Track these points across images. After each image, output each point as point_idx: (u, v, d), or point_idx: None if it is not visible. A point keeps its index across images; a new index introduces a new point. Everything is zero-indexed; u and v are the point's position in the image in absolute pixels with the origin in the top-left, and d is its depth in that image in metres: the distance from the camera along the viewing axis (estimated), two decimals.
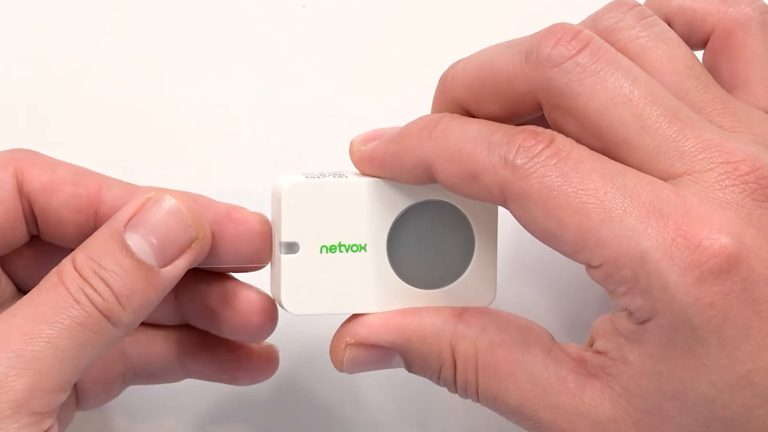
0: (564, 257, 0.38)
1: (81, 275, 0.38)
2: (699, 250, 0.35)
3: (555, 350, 0.40)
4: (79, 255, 0.39)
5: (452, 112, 0.41)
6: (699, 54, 0.42)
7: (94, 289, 0.38)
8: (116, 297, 0.38)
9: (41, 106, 0.46)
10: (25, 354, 0.37)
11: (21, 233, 0.42)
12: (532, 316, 0.42)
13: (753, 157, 0.37)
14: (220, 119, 0.45)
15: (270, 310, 0.43)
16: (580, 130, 0.38)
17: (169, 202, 0.39)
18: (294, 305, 0.42)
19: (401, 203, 0.42)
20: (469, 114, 0.41)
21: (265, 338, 0.43)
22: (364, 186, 0.42)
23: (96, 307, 0.38)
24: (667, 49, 0.40)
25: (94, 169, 0.42)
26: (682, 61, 0.40)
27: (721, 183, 0.36)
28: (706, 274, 0.35)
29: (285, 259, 0.42)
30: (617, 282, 0.37)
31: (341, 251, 0.42)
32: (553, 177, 0.37)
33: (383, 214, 0.42)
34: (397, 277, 0.42)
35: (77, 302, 0.38)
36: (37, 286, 0.39)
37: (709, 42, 0.43)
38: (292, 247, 0.42)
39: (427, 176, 0.40)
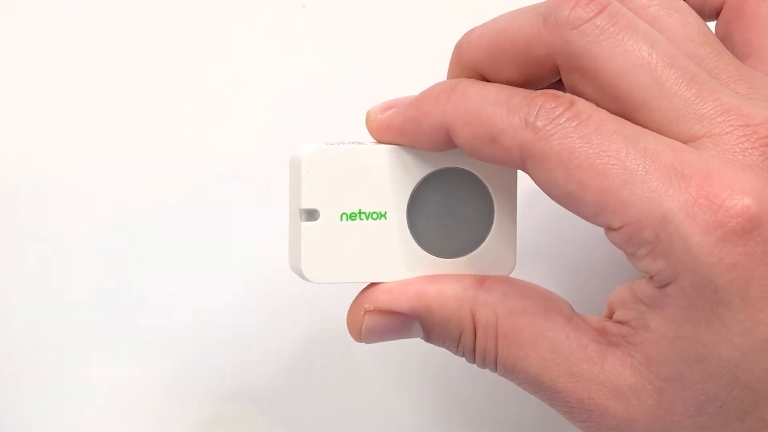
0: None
1: None
2: (721, 210, 0.35)
3: (576, 319, 0.40)
4: None
5: (468, 77, 0.41)
6: (711, 26, 0.42)
7: None
8: None
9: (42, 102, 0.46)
10: None
11: None
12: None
13: None
14: (219, 120, 0.45)
15: None
16: (598, 93, 0.38)
17: None
18: (314, 274, 0.42)
19: (421, 170, 0.42)
20: (486, 80, 0.41)
21: None
22: (384, 153, 0.42)
23: None
24: (679, 17, 0.40)
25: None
26: (694, 29, 0.40)
27: (740, 146, 0.36)
28: (728, 235, 0.35)
29: (305, 227, 0.42)
30: (638, 244, 0.36)
31: (361, 219, 0.42)
32: (574, 138, 0.37)
33: (403, 181, 0.42)
34: (417, 245, 0.42)
35: None
36: None
37: (722, 11, 0.43)
38: (312, 215, 0.42)
39: (446, 140, 0.40)
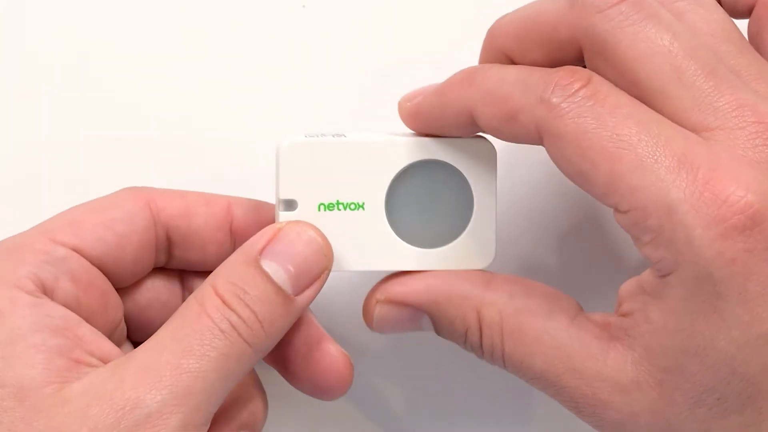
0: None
1: (224, 302, 0.38)
2: (725, 205, 0.36)
3: (579, 318, 0.40)
4: (220, 281, 0.39)
5: (497, 62, 0.41)
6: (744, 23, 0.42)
7: (239, 316, 0.38)
8: (260, 323, 0.39)
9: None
10: (178, 390, 0.37)
11: (149, 263, 0.43)
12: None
13: None
14: (218, 119, 0.45)
15: (347, 371, 0.43)
16: (618, 77, 0.38)
17: (307, 233, 0.40)
18: None
19: (399, 162, 0.42)
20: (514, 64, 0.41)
21: (334, 399, 0.43)
22: (362, 145, 0.42)
23: (240, 335, 0.38)
24: (704, 14, 0.40)
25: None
26: (719, 26, 0.40)
27: (752, 141, 0.37)
28: (729, 230, 0.36)
29: (283, 216, 0.42)
30: (643, 230, 0.37)
31: (339, 209, 0.42)
32: (588, 119, 0.37)
33: (381, 173, 0.42)
34: (395, 235, 0.42)
35: (222, 332, 0.38)
36: (178, 315, 0.39)
37: (755, 9, 0.43)
38: (290, 205, 0.42)
39: (470, 123, 0.40)
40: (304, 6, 0.45)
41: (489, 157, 0.42)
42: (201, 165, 0.45)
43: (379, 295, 0.42)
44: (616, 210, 0.37)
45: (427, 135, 0.42)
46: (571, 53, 0.39)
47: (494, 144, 0.42)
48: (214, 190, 0.43)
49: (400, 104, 0.42)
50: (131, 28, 0.45)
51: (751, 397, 0.37)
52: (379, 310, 0.42)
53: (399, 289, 0.42)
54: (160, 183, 0.43)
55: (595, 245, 0.45)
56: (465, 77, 0.40)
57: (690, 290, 0.36)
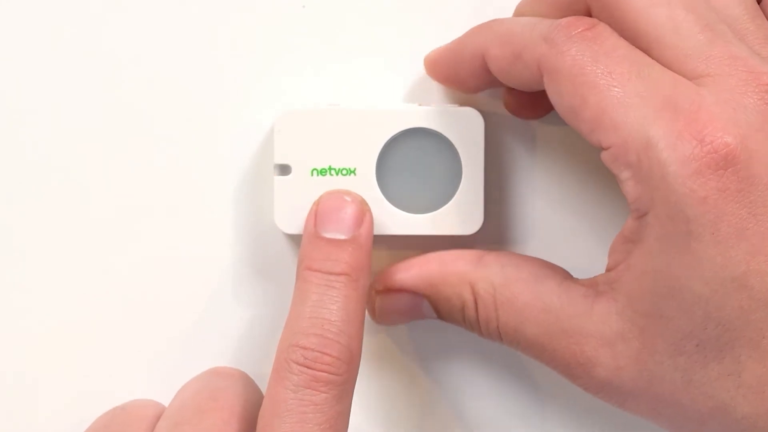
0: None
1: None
2: (701, 144, 0.36)
3: (567, 282, 0.41)
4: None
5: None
6: None
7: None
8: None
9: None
10: None
11: None
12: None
13: None
14: (218, 120, 0.46)
15: None
16: (622, 30, 0.39)
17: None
18: (285, 224, 0.43)
19: (390, 130, 0.43)
20: None
21: None
22: (354, 113, 0.43)
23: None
24: None
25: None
26: None
27: (741, 88, 0.37)
28: (702, 168, 0.36)
29: (278, 181, 0.43)
30: (623, 165, 0.38)
31: (332, 174, 0.43)
32: (586, 56, 0.38)
33: (372, 140, 0.43)
34: (386, 200, 0.44)
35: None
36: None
37: None
38: (284, 170, 0.43)
39: (483, 68, 0.42)
40: (304, 6, 0.46)
41: (477, 127, 0.44)
42: (199, 163, 0.46)
43: (377, 285, 0.44)
44: (601, 147, 0.38)
45: (446, 83, 0.44)
46: (581, 12, 0.41)
47: (482, 114, 0.44)
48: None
49: (425, 58, 0.45)
50: (129, 28, 0.46)
51: (729, 343, 0.37)
52: (379, 301, 0.44)
53: (395, 277, 0.43)
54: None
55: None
56: (482, 24, 0.42)
57: (665, 229, 0.37)
